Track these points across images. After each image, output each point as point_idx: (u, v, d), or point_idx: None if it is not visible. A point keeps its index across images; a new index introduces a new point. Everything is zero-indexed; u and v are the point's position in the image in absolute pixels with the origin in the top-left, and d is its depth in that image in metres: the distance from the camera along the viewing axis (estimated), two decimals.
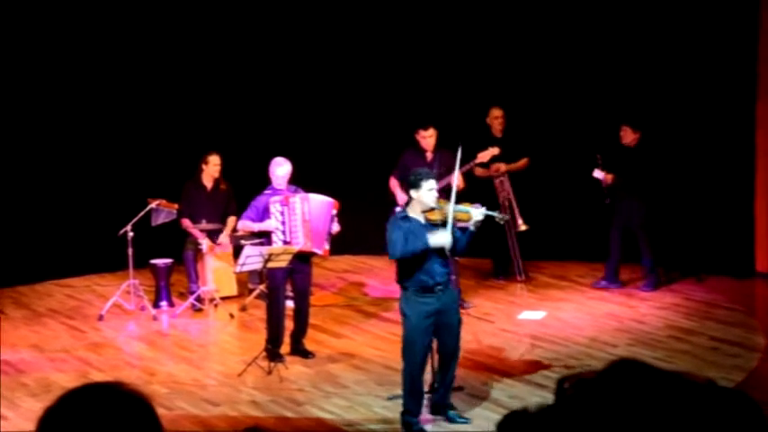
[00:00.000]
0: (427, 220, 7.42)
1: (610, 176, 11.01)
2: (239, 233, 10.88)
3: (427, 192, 7.36)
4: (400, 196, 10.35)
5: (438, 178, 10.37)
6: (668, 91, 11.62)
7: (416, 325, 7.42)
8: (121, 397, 1.91)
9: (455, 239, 7.38)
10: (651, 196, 11.07)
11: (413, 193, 7.39)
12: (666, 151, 11.59)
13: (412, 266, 7.38)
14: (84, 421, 1.86)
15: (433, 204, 7.39)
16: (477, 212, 7.45)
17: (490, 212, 7.55)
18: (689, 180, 11.58)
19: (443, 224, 7.37)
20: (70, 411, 1.88)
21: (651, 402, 1.55)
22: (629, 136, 11.04)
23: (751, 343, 9.43)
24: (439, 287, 7.42)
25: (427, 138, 10.51)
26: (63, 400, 1.90)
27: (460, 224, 7.47)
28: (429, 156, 10.55)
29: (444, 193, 10.17)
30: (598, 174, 11.03)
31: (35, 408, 7.90)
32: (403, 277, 7.47)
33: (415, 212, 7.43)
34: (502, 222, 7.52)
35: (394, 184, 10.61)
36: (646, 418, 1.53)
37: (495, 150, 10.38)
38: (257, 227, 9.35)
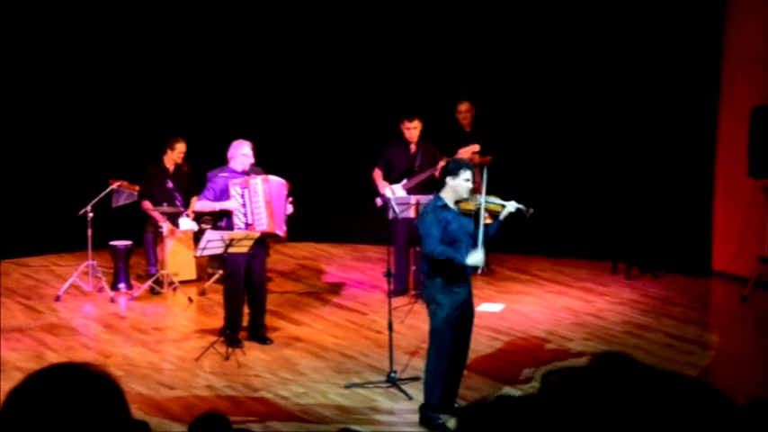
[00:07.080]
0: (460, 210, 7.38)
1: None
2: (200, 215, 10.82)
3: (464, 181, 7.30)
4: (381, 185, 10.37)
5: (420, 171, 10.45)
6: (630, 88, 11.67)
7: (448, 315, 7.35)
8: (88, 378, 1.89)
9: (486, 232, 7.40)
10: None
11: (449, 180, 7.32)
12: (627, 149, 11.70)
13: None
14: (51, 402, 1.83)
15: (466, 195, 7.35)
16: (510, 205, 7.49)
17: (521, 206, 7.51)
18: (649, 178, 11.66)
19: (476, 215, 7.38)
20: (36, 393, 1.85)
21: (639, 396, 1.56)
22: None
23: (705, 341, 9.55)
24: (468, 275, 7.45)
25: (411, 129, 10.51)
26: (29, 381, 1.87)
27: (491, 215, 7.50)
28: (413, 148, 10.55)
29: (424, 186, 10.22)
30: None
31: None
32: (435, 266, 7.34)
33: (448, 200, 7.36)
34: (527, 215, 7.54)
35: (378, 175, 10.60)
36: (634, 410, 1.54)
37: (475, 147, 10.39)
38: (218, 206, 9.25)
